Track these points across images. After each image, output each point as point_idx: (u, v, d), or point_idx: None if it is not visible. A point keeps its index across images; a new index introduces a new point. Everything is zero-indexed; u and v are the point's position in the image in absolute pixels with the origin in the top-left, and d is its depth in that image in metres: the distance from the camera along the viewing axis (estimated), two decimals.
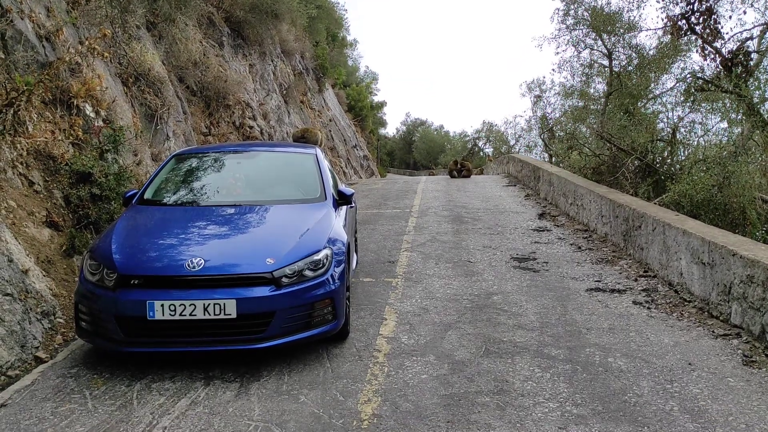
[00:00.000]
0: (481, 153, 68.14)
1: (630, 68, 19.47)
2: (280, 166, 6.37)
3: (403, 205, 13.78)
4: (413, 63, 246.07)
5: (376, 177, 38.12)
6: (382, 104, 52.40)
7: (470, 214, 12.27)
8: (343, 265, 4.98)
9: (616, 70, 20.12)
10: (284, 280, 4.54)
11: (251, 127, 17.10)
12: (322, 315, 4.72)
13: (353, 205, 6.97)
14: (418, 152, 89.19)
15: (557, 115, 26.76)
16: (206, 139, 14.83)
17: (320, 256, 4.77)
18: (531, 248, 9.00)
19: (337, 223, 5.47)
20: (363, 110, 42.13)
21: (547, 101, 28.67)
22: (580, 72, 21.11)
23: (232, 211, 5.39)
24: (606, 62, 20.90)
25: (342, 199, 5.99)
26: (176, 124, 12.68)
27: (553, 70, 21.04)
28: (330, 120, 29.87)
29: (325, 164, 6.45)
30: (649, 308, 6.14)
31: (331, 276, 4.79)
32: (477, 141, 69.79)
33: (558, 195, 12.97)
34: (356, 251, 7.86)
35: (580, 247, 9.03)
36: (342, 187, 6.56)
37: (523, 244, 9.27)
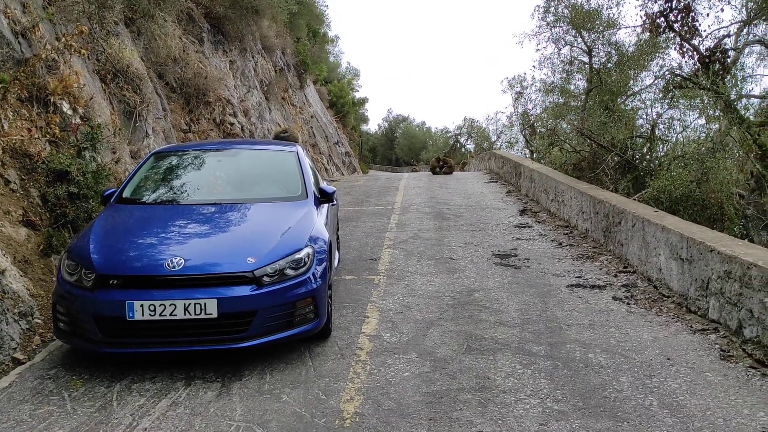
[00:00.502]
0: (463, 149, 68.34)
1: (609, 65, 19.63)
2: (261, 164, 6.34)
3: (386, 202, 13.77)
4: (395, 59, 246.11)
5: (358, 174, 38.06)
6: (363, 100, 52.30)
7: (452, 210, 12.30)
8: (324, 264, 4.97)
9: (596, 67, 20.26)
10: (265, 279, 4.53)
11: (232, 124, 16.97)
12: (303, 314, 4.71)
13: (335, 202, 6.95)
14: (401, 148, 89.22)
15: (538, 111, 26.92)
16: (186, 137, 14.69)
17: (302, 254, 4.76)
18: (512, 245, 9.04)
19: (318, 221, 5.46)
20: (345, 106, 42.03)
21: (528, 98, 28.82)
22: (560, 69, 21.26)
23: (212, 209, 5.36)
24: (586, 59, 21.05)
25: (323, 197, 5.98)
26: (155, 121, 12.54)
27: (534, 66, 21.43)
28: (311, 116, 29.75)
29: (307, 162, 6.44)
30: (628, 304, 6.19)
31: (313, 274, 4.78)
32: (459, 137, 69.96)
33: (539, 191, 13.03)
34: (338, 249, 7.85)
35: (561, 244, 9.08)
36: (323, 184, 6.55)
37: (504, 241, 9.31)
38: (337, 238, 7.94)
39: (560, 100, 20.98)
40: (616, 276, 7.24)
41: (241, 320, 4.44)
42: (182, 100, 15.28)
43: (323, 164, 26.82)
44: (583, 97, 20.33)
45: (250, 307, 4.43)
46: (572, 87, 21.33)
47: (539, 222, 10.99)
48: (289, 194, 5.80)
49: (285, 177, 6.06)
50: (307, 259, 4.78)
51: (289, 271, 4.66)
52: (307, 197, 5.73)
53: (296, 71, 29.62)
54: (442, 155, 28.75)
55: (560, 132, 18.22)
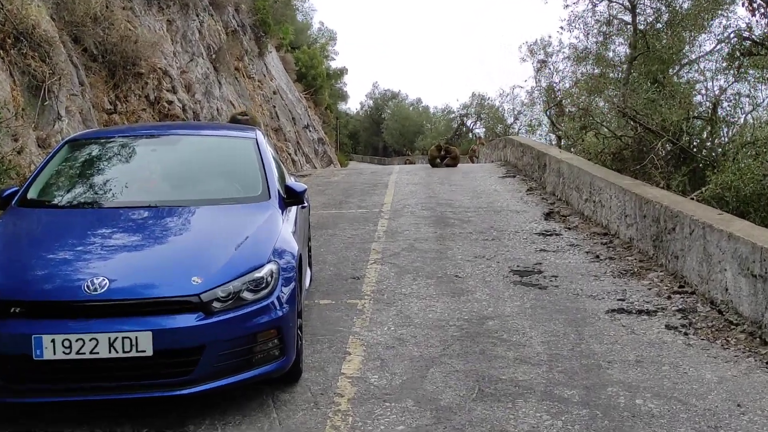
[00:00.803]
0: (471, 135, 68.72)
1: (659, 26, 19.78)
2: (210, 155, 6.37)
3: (371, 204, 13.84)
4: (383, 19, 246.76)
5: (335, 166, 38.09)
6: (341, 72, 52.51)
7: (457, 214, 12.35)
8: (293, 284, 4.98)
9: (642, 27, 20.41)
10: (216, 304, 4.52)
11: (170, 103, 16.95)
12: (266, 350, 4.70)
13: (306, 204, 6.97)
14: (390, 134, 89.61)
15: (567, 85, 27.06)
16: (111, 119, 14.66)
17: (263, 272, 4.76)
18: (535, 258, 9.10)
19: (284, 228, 5.47)
20: (317, 79, 42.15)
21: (554, 68, 29.05)
22: (595, 30, 21.41)
23: (146, 214, 5.35)
24: (628, 18, 21.22)
25: (291, 198, 6.00)
26: (70, 99, 12.52)
27: (562, 27, 21.29)
28: (274, 92, 29.78)
29: (269, 152, 6.45)
30: (686, 334, 6.23)
31: (278, 299, 4.78)
32: (465, 119, 70.39)
33: (569, 189, 13.09)
34: (310, 265, 7.88)
35: (598, 256, 9.17)
36: (291, 181, 6.54)
37: (525, 253, 9.37)
38: (309, 250, 7.96)
39: (595, 70, 21.10)
40: (669, 298, 7.29)
41: (184, 359, 4.41)
42: (105, 72, 15.25)
43: (289, 154, 26.84)
44: (624, 67, 20.46)
45: (195, 342, 4.41)
46: (611, 54, 21.47)
47: (570, 228, 11.07)
48: (247, 194, 5.81)
49: (241, 171, 6.07)
50: (269, 279, 4.78)
51: (247, 295, 4.65)
52: (270, 197, 5.74)
53: (254, 34, 29.63)
54: (443, 142, 28.84)
55: (596, 112, 18.31)
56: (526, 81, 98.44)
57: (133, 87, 16.12)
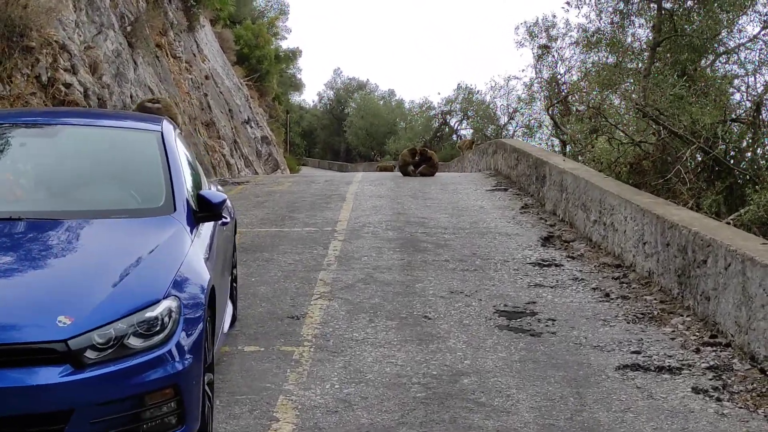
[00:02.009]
0: (455, 137, 69.00)
1: (689, 3, 19.84)
2: (100, 153, 6.24)
3: (323, 221, 13.71)
4: None
5: (282, 172, 37.90)
6: (294, 54, 52.38)
7: (431, 236, 12.26)
8: (200, 327, 4.80)
9: (668, 6, 20.45)
10: (90, 354, 4.29)
11: (68, 86, 16.59)
12: (158, 416, 4.48)
13: (227, 219, 6.75)
14: (354, 134, 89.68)
15: (574, 77, 27.12)
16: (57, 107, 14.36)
17: (157, 311, 4.56)
18: (528, 295, 9.01)
19: (193, 252, 5.29)
20: (263, 62, 42.01)
21: (558, 55, 29.15)
22: (610, 9, 21.38)
23: (4, 229, 5.11)
24: None
25: (205, 210, 5.75)
26: None
27: (568, 3, 20.88)
28: (206, 77, 29.55)
29: (178, 150, 6.23)
30: (719, 400, 6.09)
31: (177, 346, 4.57)
32: (448, 117, 70.60)
33: (574, 207, 13.00)
34: (233, 300, 7.73)
35: (608, 294, 9.08)
36: (208, 190, 6.27)
37: (515, 289, 9.28)
38: (233, 280, 7.80)
39: (609, 59, 21.10)
40: (698, 351, 7.16)
41: (44, 429, 4.17)
42: None
43: (223, 156, 26.60)
44: (645, 55, 20.46)
45: (59, 406, 4.17)
46: (629, 39, 21.46)
47: (573, 258, 11.00)
48: (144, 204, 5.67)
49: (139, 175, 5.95)
50: (166, 320, 4.58)
51: (134, 341, 4.43)
52: (175, 210, 5.56)
53: (183, 2, 29.40)
54: (419, 145, 28.70)
55: (609, 112, 18.29)
56: (523, 71, 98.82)
57: (20, 64, 15.76)
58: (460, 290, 9.15)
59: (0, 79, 15.19)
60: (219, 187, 7.97)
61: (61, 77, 16.67)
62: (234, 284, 7.87)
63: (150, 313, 4.50)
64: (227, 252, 7.08)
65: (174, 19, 27.91)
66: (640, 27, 21.33)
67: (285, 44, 57.39)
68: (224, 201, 5.87)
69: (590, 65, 23.23)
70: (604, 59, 21.83)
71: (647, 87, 15.97)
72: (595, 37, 22.23)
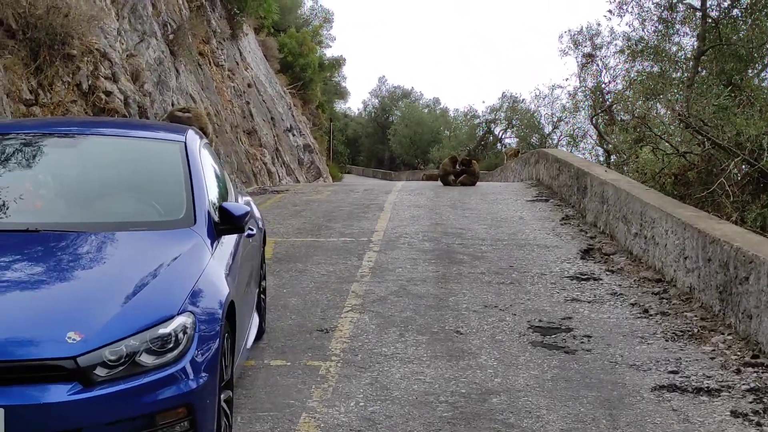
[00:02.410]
0: (500, 145, 68.83)
1: (736, 12, 19.48)
2: (119, 163, 6.13)
3: (359, 231, 13.62)
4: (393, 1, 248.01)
5: (325, 180, 37.88)
6: (338, 62, 52.41)
7: (468, 248, 12.12)
8: (216, 344, 4.65)
9: (713, 14, 20.10)
10: (100, 372, 4.17)
11: (109, 93, 16.66)
12: None
13: (252, 231, 6.62)
14: (398, 142, 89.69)
15: (619, 86, 26.80)
16: (30, 112, 14.41)
17: (171, 327, 4.42)
18: (564, 310, 8.84)
19: (212, 266, 5.16)
20: (307, 71, 42.03)
21: (603, 63, 28.82)
22: (655, 17, 21.05)
23: (15, 241, 5.04)
24: (696, 2, 20.94)
25: (227, 223, 5.61)
26: None
27: (610, 11, 20.43)
28: (249, 85, 29.62)
29: (202, 162, 6.12)
30: (759, 425, 5.88)
31: (191, 364, 4.43)
32: (492, 125, 70.46)
33: (615, 219, 12.79)
34: (261, 312, 7.62)
35: (646, 310, 8.89)
36: (233, 201, 6.13)
37: (551, 304, 9.11)
38: (261, 292, 7.71)
39: (654, 68, 20.80)
40: (738, 372, 6.94)
41: None
42: (25, 52, 15.01)
43: (264, 164, 26.60)
44: (690, 64, 20.14)
45: (67, 425, 4.05)
46: (673, 47, 21.13)
47: (612, 271, 10.81)
48: (164, 216, 5.54)
49: (160, 187, 5.83)
50: (181, 336, 4.45)
51: (146, 359, 4.30)
52: (195, 222, 5.43)
53: (226, 10, 29.54)
54: (461, 154, 28.50)
55: (654, 122, 18.06)
56: (567, 80, 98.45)
57: (61, 72, 15.85)
58: (495, 304, 8.98)
59: (41, 87, 15.28)
60: (247, 198, 7.86)
61: (101, 85, 16.73)
62: (262, 296, 7.77)
63: (163, 330, 4.37)
64: (253, 264, 6.96)
65: (217, 27, 28.01)
66: (685, 35, 21.02)
67: (329, 52, 57.52)
68: (247, 213, 5.73)
69: (635, 74, 22.93)
70: (649, 68, 21.53)
71: (691, 97, 15.71)
72: (640, 46, 21.91)
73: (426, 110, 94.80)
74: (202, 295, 4.77)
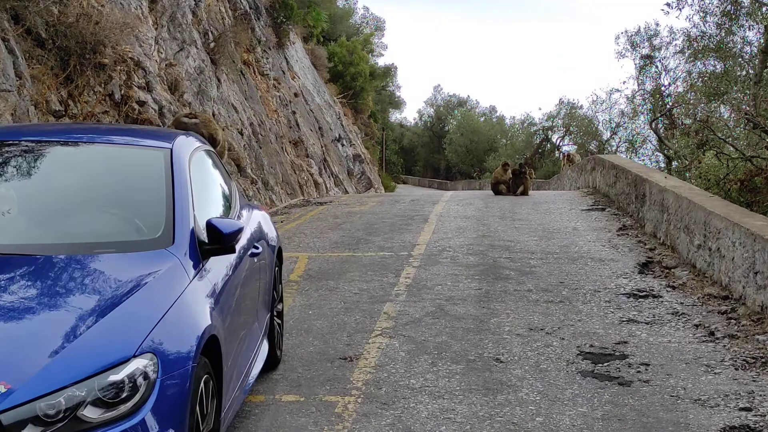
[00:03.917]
0: (557, 152, 67.81)
1: None
2: (94, 174, 5.46)
3: (400, 244, 12.99)
4: (445, 6, 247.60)
5: (377, 190, 37.25)
6: (389, 70, 51.89)
7: (516, 262, 11.42)
8: (186, 389, 3.94)
9: None
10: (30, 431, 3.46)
11: (142, 103, 16.23)
12: None
13: (257, 250, 5.96)
14: (454, 150, 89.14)
15: (680, 88, 25.93)
16: (59, 122, 14.00)
17: (124, 372, 3.71)
18: (619, 333, 8.07)
19: (191, 294, 4.45)
20: (357, 80, 41.49)
21: (662, 65, 27.89)
22: (718, 11, 20.09)
23: None
24: None
25: (216, 242, 4.83)
26: (2, 96, 12.06)
27: (668, 4, 19.14)
28: (295, 94, 29.10)
29: (191, 172, 5.32)
30: None
31: (153, 417, 3.72)
32: (549, 132, 69.46)
33: (676, 229, 11.97)
34: (275, 339, 6.92)
35: (712, 333, 8.08)
36: (225, 218, 5.34)
37: (604, 326, 8.35)
38: (276, 316, 7.04)
39: (717, 68, 19.90)
40: None
41: None
42: (55, 61, 14.66)
43: (311, 175, 26.00)
44: (757, 60, 19.17)
45: None
46: (738, 44, 20.14)
47: (674, 287, 10.05)
48: (139, 235, 4.84)
49: (135, 201, 5.16)
50: (140, 382, 3.76)
51: (92, 412, 3.59)
52: (174, 242, 4.65)
53: (272, 19, 29.13)
54: (515, 162, 27.73)
55: (718, 125, 17.38)
56: (624, 83, 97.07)
57: (92, 82, 15.49)
58: (541, 327, 8.19)
59: (71, 97, 14.90)
60: (261, 213, 7.14)
61: (134, 95, 16.33)
62: (277, 321, 7.05)
63: (114, 376, 3.64)
64: (261, 286, 6.21)
65: (262, 36, 27.56)
66: (750, 31, 20.04)
67: (381, 61, 57.07)
68: (238, 231, 4.95)
69: (696, 75, 22.07)
70: (711, 67, 20.66)
71: (758, 95, 14.89)
72: (702, 44, 21.03)
73: (482, 118, 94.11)
74: (171, 330, 4.03)
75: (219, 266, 4.97)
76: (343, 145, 34.35)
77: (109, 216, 4.97)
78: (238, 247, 5.20)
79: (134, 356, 3.73)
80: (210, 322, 4.35)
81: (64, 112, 14.42)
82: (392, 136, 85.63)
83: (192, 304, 4.33)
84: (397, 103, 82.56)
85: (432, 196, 23.38)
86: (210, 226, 4.88)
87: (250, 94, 24.15)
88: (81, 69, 15.13)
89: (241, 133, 21.74)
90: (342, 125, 36.10)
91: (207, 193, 5.61)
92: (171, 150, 5.36)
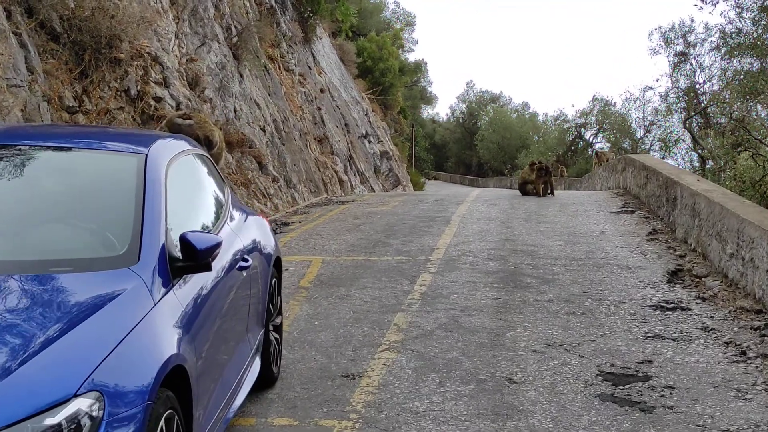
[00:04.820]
0: (590, 150, 67.05)
1: None
2: (56, 183, 4.98)
3: (418, 248, 12.55)
4: (478, 2, 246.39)
5: (405, 188, 36.79)
6: (419, 66, 51.43)
7: (538, 269, 10.96)
8: (138, 430, 3.48)
9: None
10: None
11: (159, 99, 15.93)
12: None
13: (246, 263, 5.52)
14: (485, 147, 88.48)
15: (715, 86, 25.34)
16: (73, 120, 13.88)
17: (62, 415, 3.27)
18: (643, 351, 7.57)
19: (153, 319, 4.00)
20: (386, 75, 41.05)
21: (697, 62, 27.29)
22: (755, 7, 19.37)
23: None
24: None
25: (190, 259, 4.37)
26: (9, 92, 11.69)
27: (702, 0, 18.52)
28: (321, 90, 28.69)
29: (168, 180, 4.85)
30: None
31: None
32: (583, 130, 68.66)
33: (708, 236, 11.44)
34: (272, 355, 6.53)
35: (744, 352, 7.57)
36: (203, 232, 4.85)
37: (627, 342, 7.85)
38: (274, 331, 6.65)
39: (754, 65, 19.27)
40: None
41: None
42: (70, 56, 14.43)
43: (336, 173, 25.61)
44: None
45: None
46: None
47: (704, 299, 9.54)
48: (99, 252, 4.38)
49: (100, 213, 4.69)
50: (85, 423, 3.31)
51: None
52: (139, 260, 4.19)
53: (298, 13, 28.79)
54: (545, 160, 27.23)
55: (754, 125, 16.83)
56: (657, 80, 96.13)
57: (107, 77, 15.23)
58: (560, 342, 7.71)
59: (86, 92, 14.64)
60: (259, 221, 6.73)
61: (151, 90, 16.03)
62: (275, 335, 6.62)
63: (50, 420, 3.20)
64: (251, 302, 5.76)
65: (287, 31, 27.21)
66: None
67: (411, 57, 56.67)
68: (214, 246, 4.48)
69: (731, 73, 21.48)
70: (748, 65, 20.04)
71: None
72: (737, 41, 20.38)
73: (514, 115, 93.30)
74: (124, 362, 3.58)
75: (194, 285, 4.51)
76: (370, 141, 33.95)
77: (69, 230, 4.49)
78: (218, 262, 4.75)
79: (76, 395, 3.29)
80: (176, 351, 3.91)
81: (78, 108, 14.17)
82: (420, 133, 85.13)
83: (154, 330, 3.88)
84: (429, 99, 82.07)
85: (458, 195, 22.90)
86: (183, 240, 4.42)
87: (274, 89, 23.81)
88: (96, 64, 14.89)
89: (264, 130, 21.41)
90: (369, 121, 35.67)
91: (190, 202, 5.18)
92: (146, 156, 4.88)
